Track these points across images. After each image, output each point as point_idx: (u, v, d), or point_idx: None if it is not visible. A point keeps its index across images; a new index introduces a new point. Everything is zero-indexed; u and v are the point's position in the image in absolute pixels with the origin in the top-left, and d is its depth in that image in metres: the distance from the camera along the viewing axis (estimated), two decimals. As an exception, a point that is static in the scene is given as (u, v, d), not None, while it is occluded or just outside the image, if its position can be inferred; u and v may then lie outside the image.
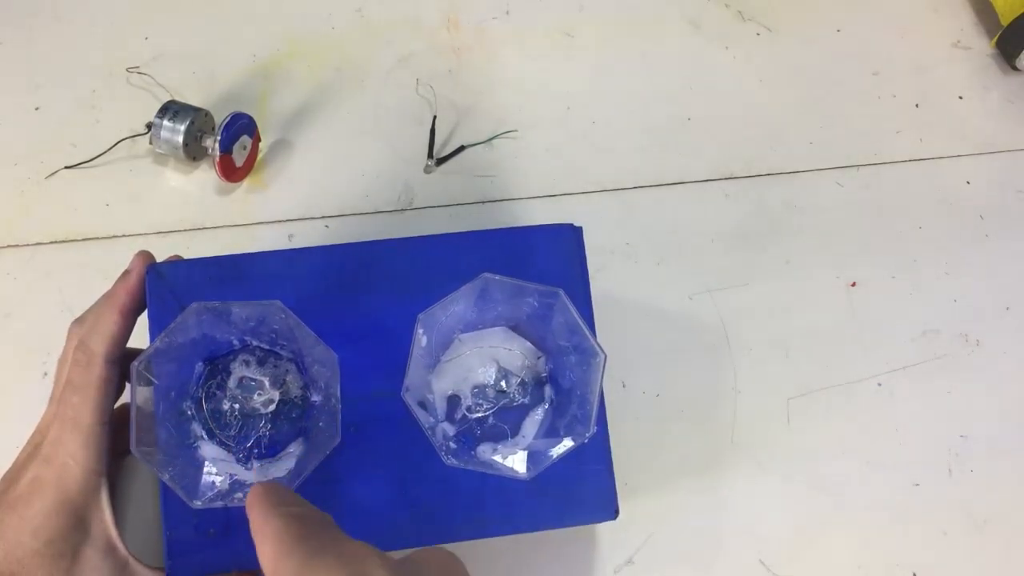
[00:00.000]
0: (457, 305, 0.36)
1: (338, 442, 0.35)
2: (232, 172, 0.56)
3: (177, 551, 0.36)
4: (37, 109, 0.60)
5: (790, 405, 0.52)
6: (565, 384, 0.39)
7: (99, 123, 0.59)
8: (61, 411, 0.36)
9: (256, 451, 0.37)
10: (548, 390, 0.39)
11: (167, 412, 0.36)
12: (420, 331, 0.36)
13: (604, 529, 0.48)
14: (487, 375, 0.39)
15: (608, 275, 0.55)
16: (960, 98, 0.63)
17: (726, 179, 0.59)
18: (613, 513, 0.39)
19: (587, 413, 0.36)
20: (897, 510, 0.49)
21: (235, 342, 0.38)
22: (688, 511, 0.49)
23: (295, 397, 0.38)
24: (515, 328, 0.40)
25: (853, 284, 0.56)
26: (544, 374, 0.40)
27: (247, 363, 0.38)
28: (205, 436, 0.37)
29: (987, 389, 0.53)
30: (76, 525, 0.35)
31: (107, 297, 0.38)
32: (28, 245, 0.55)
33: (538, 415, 0.39)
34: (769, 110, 0.62)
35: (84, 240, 0.55)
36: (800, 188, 0.59)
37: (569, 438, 0.36)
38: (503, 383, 0.39)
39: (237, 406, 0.37)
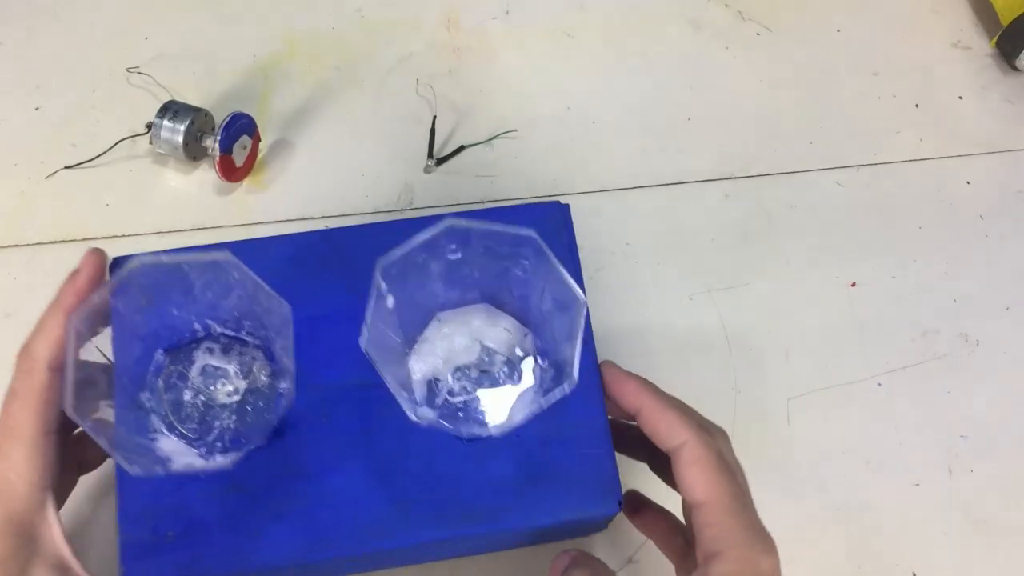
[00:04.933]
0: (419, 249, 0.33)
1: (293, 398, 0.32)
2: (232, 172, 0.56)
3: (131, 555, 0.34)
4: (37, 109, 0.60)
5: (790, 405, 0.52)
6: (552, 354, 0.36)
7: (99, 123, 0.59)
8: (2, 422, 0.33)
9: (219, 444, 0.35)
10: (537, 370, 0.37)
11: (120, 400, 0.34)
12: (379, 276, 0.33)
13: (604, 531, 0.48)
14: (469, 355, 0.37)
15: (608, 275, 0.55)
16: (960, 98, 0.63)
17: (726, 179, 0.59)
18: (616, 504, 0.36)
19: (568, 362, 0.33)
20: (897, 510, 0.49)
21: (197, 326, 0.36)
22: (688, 511, 0.49)
23: (262, 386, 0.36)
24: (498, 305, 0.38)
25: (853, 284, 0.56)
26: (532, 352, 0.37)
27: (211, 351, 0.36)
28: (164, 430, 0.35)
29: (987, 389, 0.53)
30: (23, 544, 0.32)
31: (54, 300, 0.35)
32: (28, 245, 0.55)
33: (527, 396, 0.36)
34: (769, 110, 0.62)
35: (84, 240, 0.55)
36: (800, 188, 0.59)
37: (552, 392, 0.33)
38: (486, 362, 0.37)
39: (201, 398, 0.35)
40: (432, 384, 0.37)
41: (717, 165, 0.60)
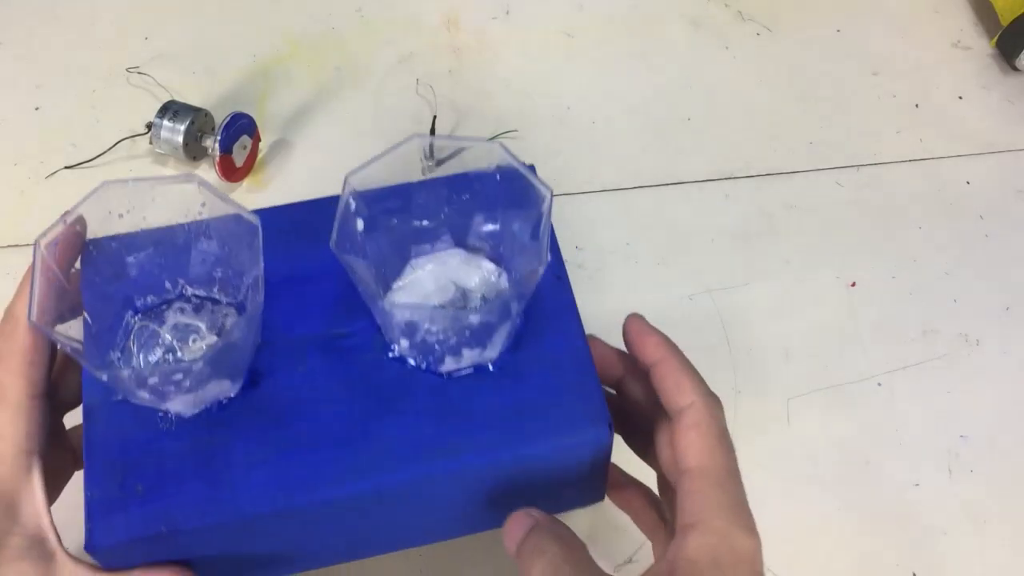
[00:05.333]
0: (388, 211, 0.34)
1: (261, 304, 0.32)
2: (232, 172, 0.56)
3: (98, 512, 0.32)
4: (37, 109, 0.60)
5: (790, 405, 0.52)
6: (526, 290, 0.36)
7: (99, 123, 0.59)
8: None
9: (190, 396, 0.34)
10: (515, 305, 0.36)
11: (92, 361, 0.33)
12: (345, 185, 0.34)
13: (604, 528, 0.48)
14: (444, 295, 0.36)
15: (608, 275, 0.55)
16: (960, 98, 0.63)
17: (726, 179, 0.59)
18: (606, 427, 0.34)
19: (538, 249, 0.32)
20: (897, 510, 0.49)
21: (168, 286, 0.36)
22: (688, 511, 0.49)
23: (235, 340, 0.35)
24: (471, 250, 0.38)
25: (853, 284, 0.56)
26: (508, 290, 0.37)
27: (182, 310, 0.36)
28: (135, 387, 0.34)
29: (987, 389, 0.53)
30: (4, 512, 0.31)
31: (33, 262, 0.35)
32: (28, 245, 0.54)
33: (507, 328, 0.36)
34: (769, 110, 0.62)
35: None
36: (800, 188, 0.59)
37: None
38: (461, 301, 0.36)
39: (172, 355, 0.35)
40: (408, 327, 0.36)
41: (717, 165, 0.60)
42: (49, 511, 0.32)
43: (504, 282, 0.37)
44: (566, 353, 0.36)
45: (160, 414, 0.34)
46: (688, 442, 0.33)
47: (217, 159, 0.54)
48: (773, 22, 0.66)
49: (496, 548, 0.42)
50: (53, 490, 0.35)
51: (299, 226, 0.39)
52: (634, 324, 0.37)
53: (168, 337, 0.35)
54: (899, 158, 0.61)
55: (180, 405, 0.33)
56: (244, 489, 0.33)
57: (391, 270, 0.37)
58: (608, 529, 0.48)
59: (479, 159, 0.35)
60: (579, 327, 0.37)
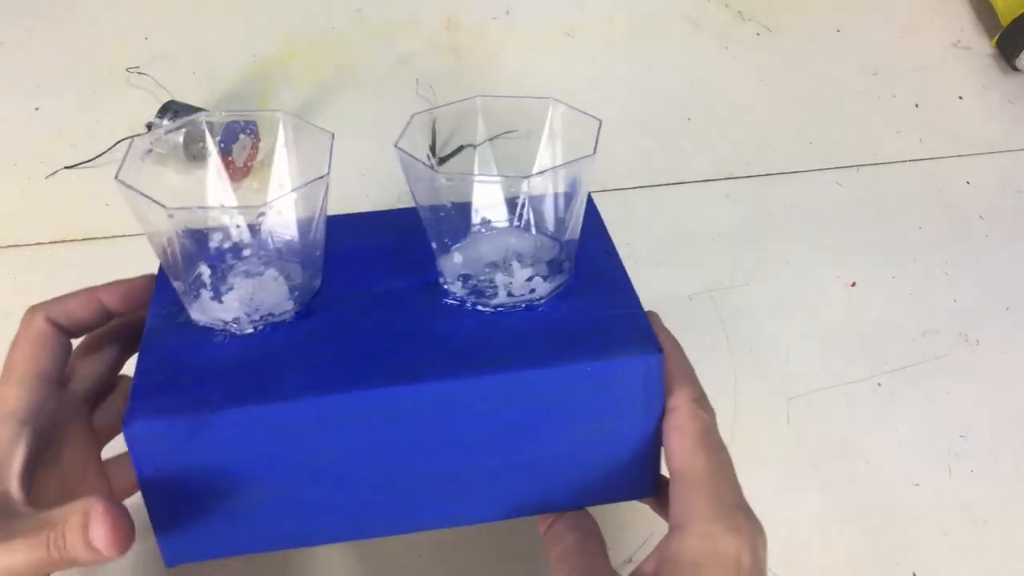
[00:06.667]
0: (450, 116, 0.38)
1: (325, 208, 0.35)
2: (232, 172, 0.56)
3: (141, 394, 0.34)
4: (37, 109, 0.60)
5: (790, 405, 0.52)
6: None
7: (99, 123, 0.59)
8: (2, 368, 0.36)
9: (249, 315, 0.37)
10: (567, 265, 0.38)
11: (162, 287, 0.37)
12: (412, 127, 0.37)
13: (605, 527, 0.48)
14: (498, 254, 0.38)
15: (608, 275, 0.55)
16: (960, 98, 0.63)
17: (726, 179, 0.59)
18: (655, 348, 0.35)
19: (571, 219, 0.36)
20: (897, 510, 0.49)
21: (246, 252, 0.38)
22: (688, 511, 0.49)
23: (299, 284, 0.38)
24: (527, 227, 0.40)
25: (853, 284, 0.56)
26: (561, 259, 0.38)
27: (253, 264, 0.38)
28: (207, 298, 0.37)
29: (987, 389, 0.53)
30: None
31: (92, 287, 0.39)
32: (28, 245, 0.55)
33: (558, 279, 0.38)
34: (769, 110, 0.62)
35: (84, 240, 0.55)
36: (800, 188, 0.59)
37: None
38: (516, 257, 0.38)
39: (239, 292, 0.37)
40: (463, 278, 0.38)
41: (717, 165, 0.60)
42: (22, 474, 0.33)
43: (560, 252, 0.39)
44: (615, 296, 0.37)
45: (218, 329, 0.36)
46: (671, 445, 0.34)
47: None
48: (773, 22, 0.66)
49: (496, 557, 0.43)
50: (68, 472, 0.36)
51: (363, 223, 0.42)
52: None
53: (237, 281, 0.37)
54: (899, 158, 0.61)
55: (236, 303, 0.36)
56: (283, 384, 0.34)
57: (452, 232, 0.39)
58: (610, 527, 0.48)
59: (534, 115, 0.39)
60: (627, 282, 0.39)
